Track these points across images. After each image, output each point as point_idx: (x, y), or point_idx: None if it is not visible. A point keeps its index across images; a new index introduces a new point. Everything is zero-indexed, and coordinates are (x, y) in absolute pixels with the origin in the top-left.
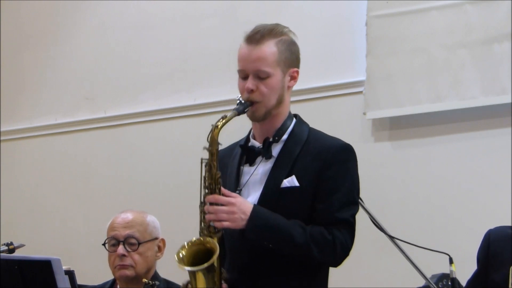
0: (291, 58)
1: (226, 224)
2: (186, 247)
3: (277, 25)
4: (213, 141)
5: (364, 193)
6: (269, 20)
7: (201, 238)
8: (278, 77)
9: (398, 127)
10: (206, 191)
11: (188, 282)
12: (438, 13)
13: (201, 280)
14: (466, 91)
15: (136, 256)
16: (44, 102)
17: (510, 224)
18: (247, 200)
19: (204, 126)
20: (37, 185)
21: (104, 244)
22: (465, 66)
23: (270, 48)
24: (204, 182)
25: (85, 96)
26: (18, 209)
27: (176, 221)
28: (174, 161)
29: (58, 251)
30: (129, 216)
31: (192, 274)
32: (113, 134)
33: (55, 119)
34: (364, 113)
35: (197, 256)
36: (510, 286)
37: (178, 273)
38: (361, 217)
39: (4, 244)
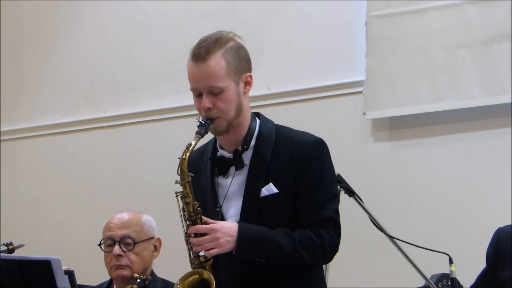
0: (240, 65)
1: (214, 251)
2: (179, 282)
3: (221, 33)
4: (183, 173)
5: (364, 193)
6: (269, 20)
7: (193, 271)
8: (232, 89)
9: (398, 127)
10: (188, 222)
11: None
12: (438, 13)
13: None
14: (466, 91)
15: (132, 256)
16: (44, 102)
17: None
18: (227, 221)
19: None
20: (37, 185)
21: (100, 245)
22: (465, 66)
23: (217, 62)
24: (184, 214)
25: (85, 96)
26: (18, 209)
27: (175, 221)
28: (174, 161)
29: (58, 251)
30: (125, 216)
31: None
32: (113, 134)
33: (55, 119)
34: (364, 113)
35: (194, 286)
36: None
37: (175, 272)
38: (361, 217)
39: (4, 244)
